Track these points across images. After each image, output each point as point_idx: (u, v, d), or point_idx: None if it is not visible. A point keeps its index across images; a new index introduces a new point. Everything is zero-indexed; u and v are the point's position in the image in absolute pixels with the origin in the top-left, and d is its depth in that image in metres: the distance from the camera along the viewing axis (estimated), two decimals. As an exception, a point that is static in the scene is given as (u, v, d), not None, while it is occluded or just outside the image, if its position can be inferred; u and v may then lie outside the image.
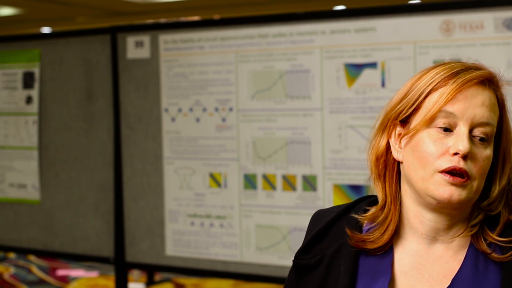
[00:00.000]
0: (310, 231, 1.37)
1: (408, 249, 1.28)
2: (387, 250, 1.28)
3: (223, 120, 2.90)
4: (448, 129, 1.20)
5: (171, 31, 2.99)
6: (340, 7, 6.43)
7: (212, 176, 2.94)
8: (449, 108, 1.20)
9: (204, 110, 2.94)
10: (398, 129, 1.27)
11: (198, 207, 2.97)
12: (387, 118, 1.28)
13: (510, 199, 1.26)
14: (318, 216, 1.38)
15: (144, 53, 3.04)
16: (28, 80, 3.36)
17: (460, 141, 1.18)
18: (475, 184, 1.19)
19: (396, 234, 1.29)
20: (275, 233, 2.83)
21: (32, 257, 6.24)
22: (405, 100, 1.25)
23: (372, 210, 1.31)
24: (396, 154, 1.27)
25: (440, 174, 1.19)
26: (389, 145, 1.28)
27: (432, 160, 1.20)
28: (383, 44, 2.59)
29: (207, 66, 2.92)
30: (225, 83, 2.88)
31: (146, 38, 3.04)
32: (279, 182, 2.81)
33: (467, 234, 1.25)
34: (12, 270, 5.95)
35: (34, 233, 3.39)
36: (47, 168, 3.33)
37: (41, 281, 5.61)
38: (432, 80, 1.23)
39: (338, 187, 2.70)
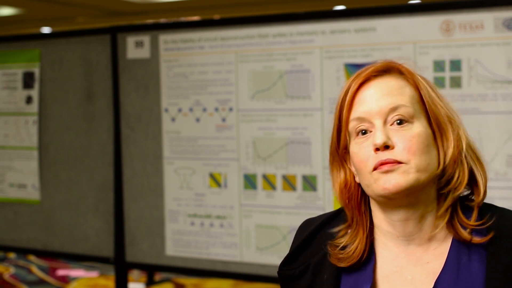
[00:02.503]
0: (295, 239, 1.38)
1: (389, 255, 1.27)
2: (367, 260, 1.27)
3: (223, 120, 2.90)
4: (366, 132, 1.23)
5: (171, 31, 2.99)
6: (340, 7, 6.43)
7: (212, 176, 2.94)
8: (355, 114, 1.24)
9: (204, 110, 2.94)
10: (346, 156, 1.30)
11: (198, 207, 2.97)
12: (331, 153, 1.31)
13: (473, 176, 1.25)
14: (306, 225, 1.39)
15: (144, 53, 3.04)
16: (28, 80, 3.36)
17: (374, 136, 1.21)
18: (412, 163, 1.19)
19: (376, 244, 1.29)
20: (275, 233, 2.83)
21: (32, 257, 6.23)
22: (333, 129, 1.30)
23: (341, 232, 1.31)
24: (356, 179, 1.29)
25: (374, 172, 1.20)
26: (349, 175, 1.30)
27: (364, 165, 1.22)
28: (383, 44, 2.59)
29: (207, 66, 2.92)
30: (225, 83, 2.88)
31: (146, 38, 3.04)
32: (279, 182, 2.81)
33: (441, 225, 1.23)
34: (12, 270, 5.95)
35: (34, 233, 3.39)
36: (47, 168, 3.33)
37: (41, 281, 5.61)
38: (339, 99, 1.28)
39: (338, 187, 2.70)
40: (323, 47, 2.70)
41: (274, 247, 2.83)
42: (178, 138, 2.99)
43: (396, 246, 1.27)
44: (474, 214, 1.23)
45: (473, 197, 1.26)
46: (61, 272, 5.84)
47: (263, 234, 2.85)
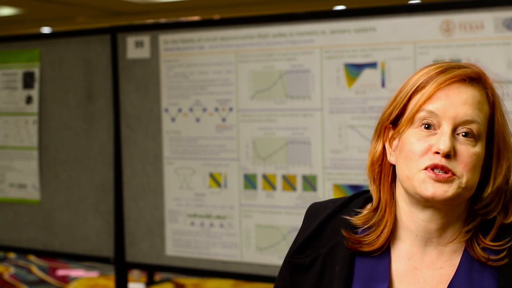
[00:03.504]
0: (305, 226, 1.35)
1: (404, 252, 1.26)
2: (384, 252, 1.26)
3: (223, 120, 2.90)
4: (430, 127, 1.21)
5: (171, 31, 2.99)
6: (340, 7, 6.42)
7: (212, 176, 2.94)
8: (430, 107, 1.21)
9: (204, 110, 2.94)
10: (391, 132, 1.28)
11: (198, 207, 2.97)
12: (381, 122, 1.30)
13: (508, 203, 1.24)
14: (314, 210, 1.36)
15: (144, 53, 3.04)
16: (28, 80, 3.36)
17: (441, 140, 1.18)
18: (463, 180, 1.18)
19: (392, 236, 1.27)
20: (275, 233, 2.83)
21: (32, 257, 6.23)
22: (394, 103, 1.27)
23: (365, 212, 1.30)
24: (389, 157, 1.28)
25: (423, 171, 1.19)
26: (385, 150, 1.29)
27: (415, 158, 1.20)
28: (383, 44, 2.59)
29: (207, 66, 2.92)
30: (225, 83, 2.88)
31: (146, 38, 3.04)
32: (279, 182, 2.81)
33: (461, 240, 1.24)
34: (12, 270, 5.95)
35: (34, 233, 3.39)
36: (47, 168, 3.33)
37: (41, 281, 5.61)
38: (416, 81, 1.25)
39: (338, 187, 2.70)
40: (323, 47, 2.70)
41: (274, 247, 2.83)
42: (178, 138, 2.99)
43: (413, 244, 1.26)
44: (492, 232, 1.23)
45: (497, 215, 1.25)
46: (61, 272, 5.84)
47: (263, 234, 2.85)
